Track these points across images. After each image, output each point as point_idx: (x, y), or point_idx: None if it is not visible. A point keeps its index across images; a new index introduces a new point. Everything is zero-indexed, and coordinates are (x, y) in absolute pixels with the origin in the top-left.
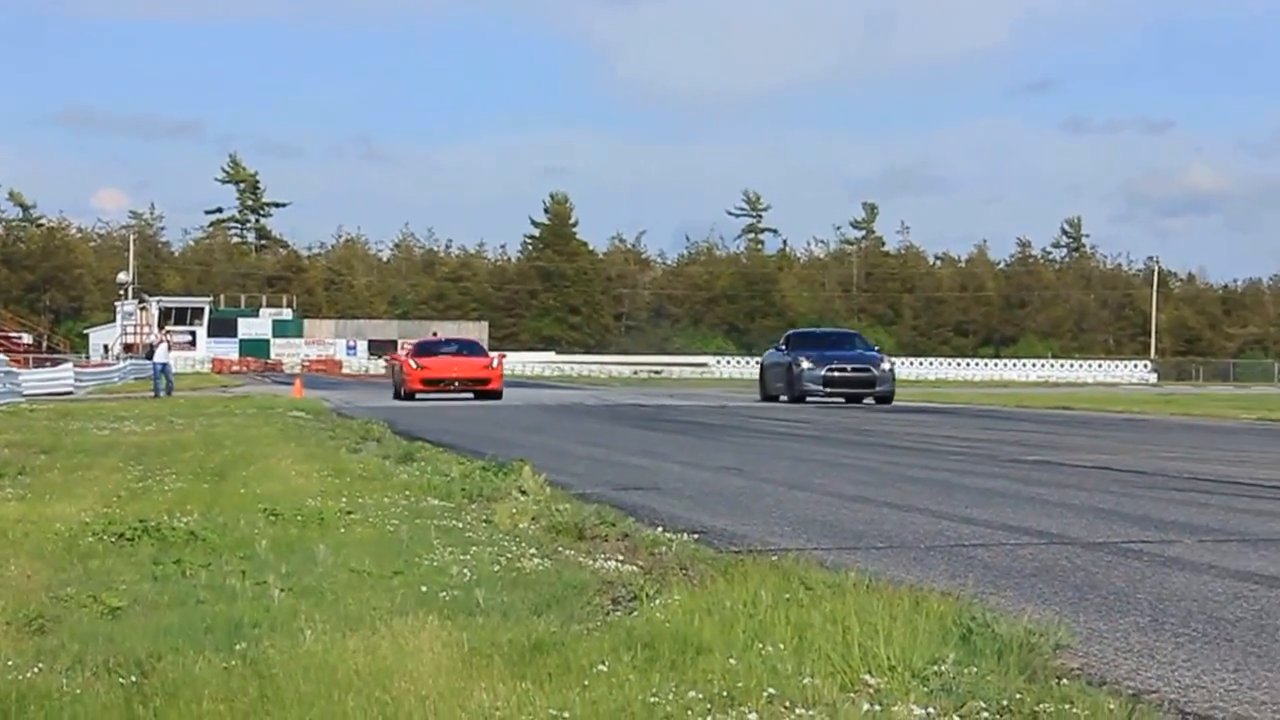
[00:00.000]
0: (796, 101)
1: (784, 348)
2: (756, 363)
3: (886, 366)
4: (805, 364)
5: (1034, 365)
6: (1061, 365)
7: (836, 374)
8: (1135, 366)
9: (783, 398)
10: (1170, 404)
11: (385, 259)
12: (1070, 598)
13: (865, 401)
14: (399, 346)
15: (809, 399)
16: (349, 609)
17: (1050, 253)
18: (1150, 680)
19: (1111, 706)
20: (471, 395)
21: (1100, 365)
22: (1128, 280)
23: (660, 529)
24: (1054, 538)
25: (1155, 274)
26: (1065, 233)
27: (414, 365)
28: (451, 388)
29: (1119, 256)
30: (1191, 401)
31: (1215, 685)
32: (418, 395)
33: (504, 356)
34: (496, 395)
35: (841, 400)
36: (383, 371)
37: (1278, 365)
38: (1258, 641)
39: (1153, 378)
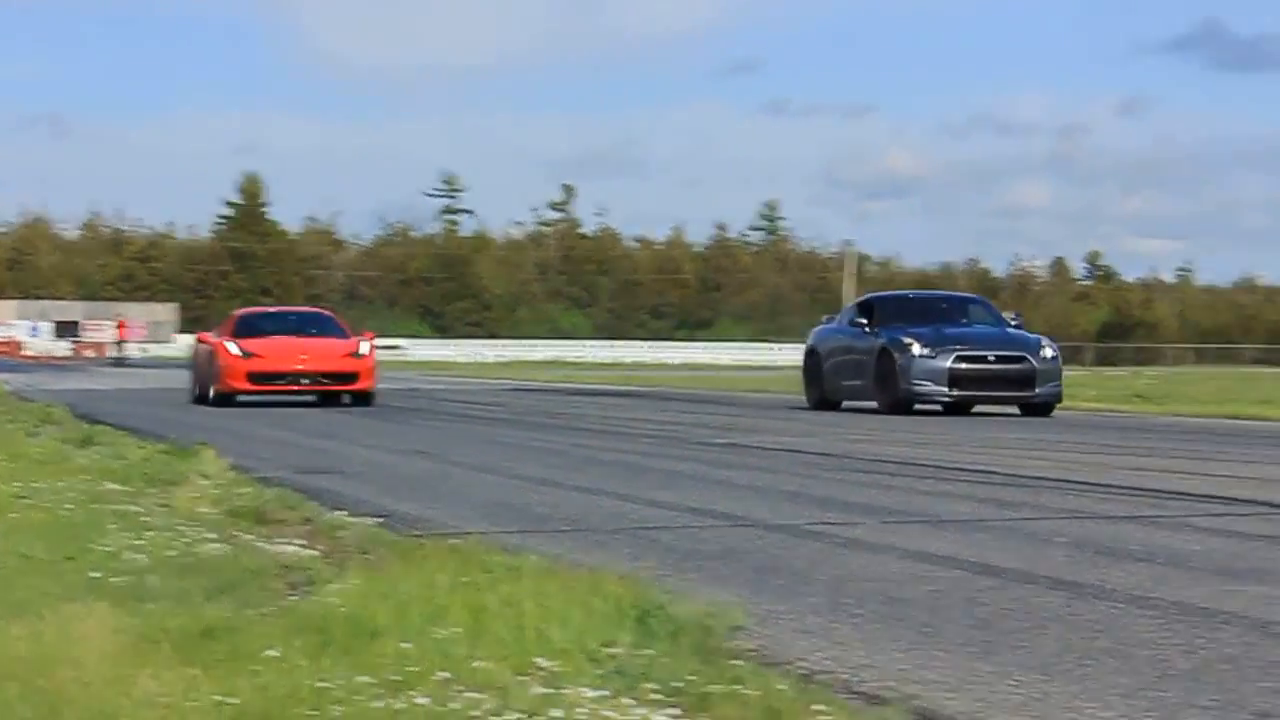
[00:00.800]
0: (496, 80)
1: (864, 322)
2: (805, 347)
3: (1049, 354)
4: (916, 350)
5: (731, 348)
6: (759, 348)
7: (969, 367)
8: None
9: (854, 401)
10: None
11: (72, 238)
12: (750, 579)
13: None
14: (86, 326)
15: (919, 404)
16: (16, 595)
17: (748, 235)
18: (824, 661)
19: (782, 686)
20: (315, 397)
21: (797, 348)
22: (824, 264)
23: (343, 513)
24: (738, 520)
25: (848, 257)
26: (763, 216)
27: (236, 352)
28: (297, 384)
29: (816, 240)
30: None
31: (888, 665)
32: (240, 397)
33: (374, 337)
34: (367, 399)
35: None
36: (68, 354)
37: None
38: (932, 621)
39: None
